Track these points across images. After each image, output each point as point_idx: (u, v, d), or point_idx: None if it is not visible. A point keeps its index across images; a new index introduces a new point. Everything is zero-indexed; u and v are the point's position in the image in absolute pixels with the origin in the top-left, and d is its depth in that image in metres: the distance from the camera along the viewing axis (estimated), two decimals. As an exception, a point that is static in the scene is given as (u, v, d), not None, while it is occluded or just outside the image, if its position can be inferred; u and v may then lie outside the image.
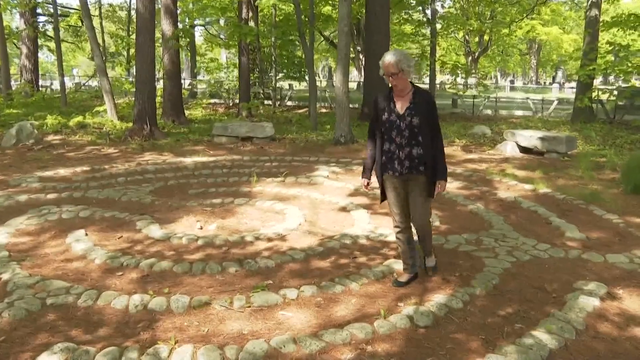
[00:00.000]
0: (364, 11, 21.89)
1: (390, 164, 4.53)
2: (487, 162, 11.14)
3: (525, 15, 30.60)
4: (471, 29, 32.58)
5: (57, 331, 3.91)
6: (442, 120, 19.46)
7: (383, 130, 4.56)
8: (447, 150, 12.49)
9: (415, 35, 29.73)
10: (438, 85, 31.47)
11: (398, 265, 5.13)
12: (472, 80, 39.29)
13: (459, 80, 32.02)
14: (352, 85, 38.68)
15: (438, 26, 25.09)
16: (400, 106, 4.50)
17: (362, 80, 28.53)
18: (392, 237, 6.02)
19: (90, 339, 3.80)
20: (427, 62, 24.45)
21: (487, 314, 4.16)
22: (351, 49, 19.53)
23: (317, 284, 4.70)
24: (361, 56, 29.99)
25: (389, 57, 4.40)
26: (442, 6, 34.84)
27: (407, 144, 4.46)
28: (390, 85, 4.58)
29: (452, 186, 8.69)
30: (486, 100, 24.64)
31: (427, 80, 30.19)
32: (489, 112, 23.43)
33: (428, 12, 24.58)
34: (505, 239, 5.98)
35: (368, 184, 4.80)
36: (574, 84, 36.59)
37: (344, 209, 7.33)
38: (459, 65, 25.78)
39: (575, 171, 10.03)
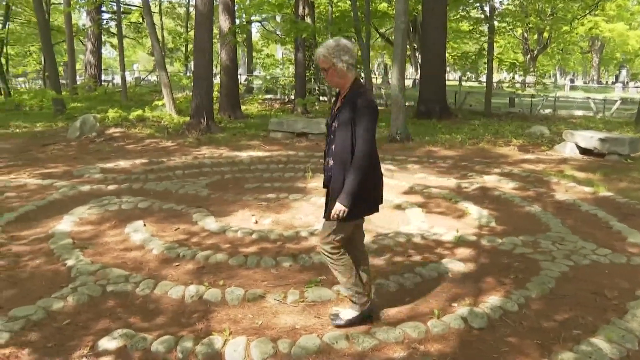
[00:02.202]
0: (421, 8, 21.71)
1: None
2: (545, 163, 10.89)
3: (588, 11, 29.68)
4: (530, 26, 31.85)
5: (116, 317, 4.05)
6: (499, 119, 19.17)
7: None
8: (503, 150, 12.36)
9: (472, 33, 29.26)
10: (495, 84, 30.89)
11: (452, 264, 5.10)
12: (530, 79, 38.42)
13: (517, 78, 31.39)
14: (408, 82, 38.37)
15: (496, 23, 24.59)
16: (336, 106, 3.81)
17: (417, 77, 28.28)
18: (446, 237, 5.97)
19: (148, 327, 3.91)
20: (484, 60, 24.05)
21: (543, 318, 4.08)
22: (407, 46, 19.34)
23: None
24: (417, 53, 29.75)
25: (319, 50, 3.71)
26: (501, 3, 34.14)
27: (328, 152, 3.78)
28: None
29: (508, 187, 8.55)
30: (544, 99, 24.06)
31: (484, 78, 29.61)
32: (547, 111, 22.87)
33: (486, 8, 24.11)
34: (563, 242, 5.83)
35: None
36: (639, 83, 35.34)
37: (398, 207, 7.29)
38: (517, 64, 25.23)
39: (638, 174, 9.70)
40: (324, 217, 3.77)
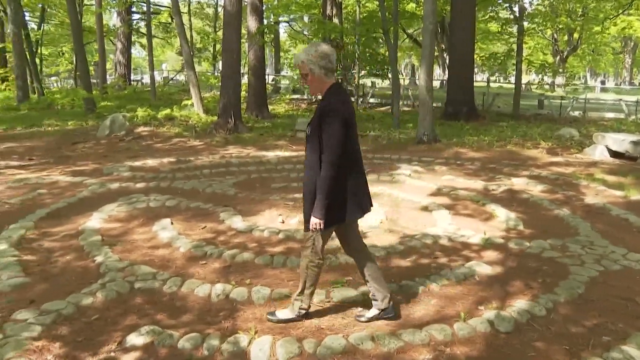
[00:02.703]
0: (449, 8, 21.56)
1: None
2: (574, 166, 10.74)
3: (621, 11, 29.11)
4: (560, 26, 31.40)
5: (144, 314, 4.11)
6: (527, 121, 18.95)
7: None
8: (531, 152, 12.22)
9: (501, 34, 28.97)
10: (524, 86, 30.50)
11: (479, 267, 5.06)
12: (559, 81, 37.95)
13: (546, 80, 31.00)
14: (435, 83, 38.17)
15: (525, 24, 24.30)
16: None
17: (445, 78, 28.10)
18: (474, 239, 5.93)
19: (174, 324, 3.95)
20: (513, 61, 23.79)
21: (571, 323, 4.02)
22: (435, 47, 19.23)
23: (396, 282, 4.69)
24: (445, 54, 29.56)
25: (297, 55, 3.73)
26: (530, 3, 33.73)
27: (305, 160, 3.76)
28: None
29: (536, 190, 8.45)
30: (574, 101, 23.72)
31: (513, 80, 29.30)
32: (576, 113, 22.52)
33: (515, 9, 23.84)
34: (592, 247, 5.74)
35: None
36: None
37: (425, 208, 7.25)
38: (546, 65, 24.93)
39: (671, 178, 9.51)
40: (305, 228, 3.76)
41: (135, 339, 3.70)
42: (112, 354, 3.55)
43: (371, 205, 3.95)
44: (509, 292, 4.56)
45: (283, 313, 4.03)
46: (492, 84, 38.90)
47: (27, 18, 29.42)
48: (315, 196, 3.57)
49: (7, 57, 31.95)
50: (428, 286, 4.64)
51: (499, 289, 4.64)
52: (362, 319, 4.00)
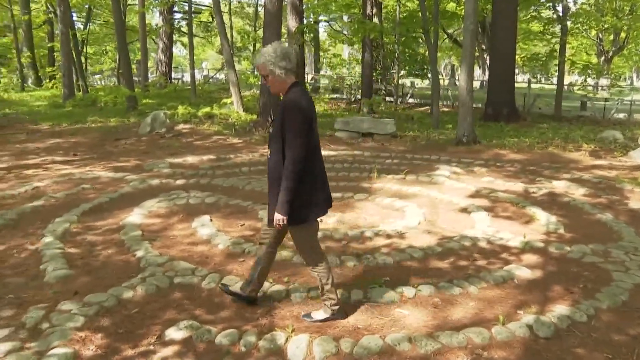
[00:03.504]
0: (490, 8, 21.28)
1: None
2: (618, 169, 10.48)
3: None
4: (606, 26, 30.66)
5: (183, 309, 4.17)
6: (569, 123, 18.59)
7: None
8: (573, 155, 11.99)
9: (543, 34, 28.43)
10: (566, 87, 29.90)
11: (519, 270, 4.99)
12: (603, 82, 37.09)
13: (589, 81, 30.34)
14: (475, 84, 37.78)
15: (569, 24, 23.80)
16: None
17: (485, 79, 27.76)
18: (513, 242, 5.85)
19: (212, 320, 4.01)
20: (555, 62, 23.36)
21: (614, 330, 3.93)
22: (475, 47, 19.01)
23: (434, 284, 4.66)
24: (485, 55, 29.20)
25: (258, 57, 3.73)
26: (575, 2, 32.99)
27: (269, 158, 3.79)
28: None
29: (578, 193, 8.29)
30: (619, 103, 23.16)
31: (555, 81, 28.77)
32: (621, 116, 21.97)
33: (559, 8, 23.38)
34: (637, 253, 5.59)
35: None
36: None
37: (464, 210, 7.19)
38: (590, 66, 24.39)
39: None
40: (267, 223, 3.86)
41: (174, 333, 3.76)
42: (152, 347, 3.62)
43: (331, 204, 4.05)
44: (549, 297, 4.48)
45: (318, 314, 4.05)
46: (533, 85, 38.25)
47: (74, 18, 30.16)
48: (275, 192, 3.67)
49: (55, 56, 32.92)
50: (466, 288, 4.60)
51: (538, 293, 4.57)
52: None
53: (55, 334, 3.71)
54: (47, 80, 31.89)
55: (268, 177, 3.76)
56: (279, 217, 3.60)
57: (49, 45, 33.58)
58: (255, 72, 29.96)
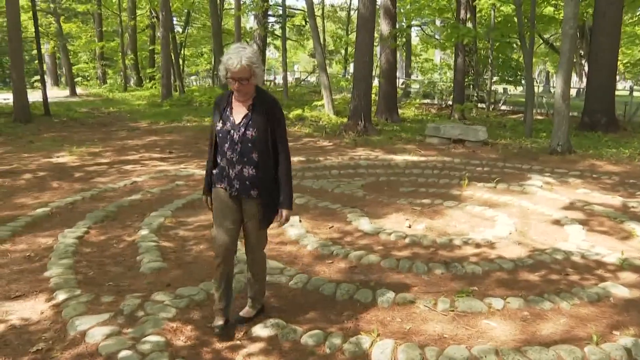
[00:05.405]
0: (591, 12, 20.40)
1: (220, 181, 3.74)
2: None
3: None
4: None
5: (270, 307, 4.22)
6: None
7: (217, 140, 3.69)
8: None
9: (650, 38, 27.02)
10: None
11: (615, 289, 4.71)
12: None
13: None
14: (571, 92, 36.39)
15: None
16: (238, 114, 3.62)
17: (582, 86, 26.64)
18: (609, 258, 5.57)
19: (298, 320, 4.03)
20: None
21: None
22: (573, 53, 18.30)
23: (524, 297, 4.48)
24: (583, 61, 28.01)
25: (241, 61, 3.41)
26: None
27: (238, 160, 3.60)
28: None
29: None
30: None
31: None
32: None
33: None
34: None
35: (207, 199, 4.02)
36: None
37: (557, 222, 6.90)
38: None
39: None
40: (263, 226, 3.82)
41: (261, 330, 3.82)
42: (239, 342, 3.69)
43: None
44: (651, 319, 4.23)
45: (249, 311, 4.07)
46: (636, 93, 36.33)
47: (174, 22, 31.58)
48: (270, 193, 3.70)
49: (155, 57, 34.55)
50: (557, 304, 4.39)
51: (636, 314, 4.27)
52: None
53: (149, 322, 3.87)
54: (147, 81, 33.51)
55: (257, 178, 3.65)
56: (290, 213, 3.79)
57: (150, 47, 35.32)
58: (347, 76, 30.19)
